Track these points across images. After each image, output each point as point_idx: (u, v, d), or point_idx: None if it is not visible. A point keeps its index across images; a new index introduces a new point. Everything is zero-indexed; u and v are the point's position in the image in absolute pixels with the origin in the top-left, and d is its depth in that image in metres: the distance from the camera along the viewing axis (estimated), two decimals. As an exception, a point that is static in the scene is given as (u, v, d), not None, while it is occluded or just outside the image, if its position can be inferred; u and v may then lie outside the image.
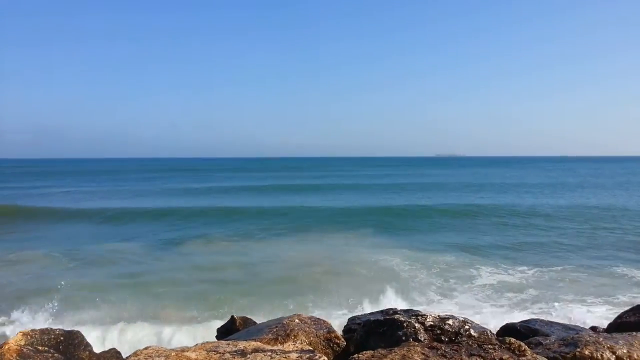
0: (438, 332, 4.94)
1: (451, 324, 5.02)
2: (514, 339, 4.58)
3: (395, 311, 6.23)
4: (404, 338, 4.84)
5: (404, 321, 4.99)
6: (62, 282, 14.13)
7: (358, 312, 10.03)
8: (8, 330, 10.44)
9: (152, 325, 10.70)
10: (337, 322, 9.75)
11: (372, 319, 5.37)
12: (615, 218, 26.81)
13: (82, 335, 4.90)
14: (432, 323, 5.00)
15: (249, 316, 8.08)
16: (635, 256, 17.49)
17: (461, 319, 5.20)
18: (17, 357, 4.22)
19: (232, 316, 6.98)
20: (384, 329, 5.08)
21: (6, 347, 4.26)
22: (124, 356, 6.26)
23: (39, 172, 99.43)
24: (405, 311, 6.20)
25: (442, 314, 5.22)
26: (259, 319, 8.36)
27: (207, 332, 9.79)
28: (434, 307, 11.36)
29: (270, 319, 6.96)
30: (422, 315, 5.13)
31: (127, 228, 25.71)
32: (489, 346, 4.50)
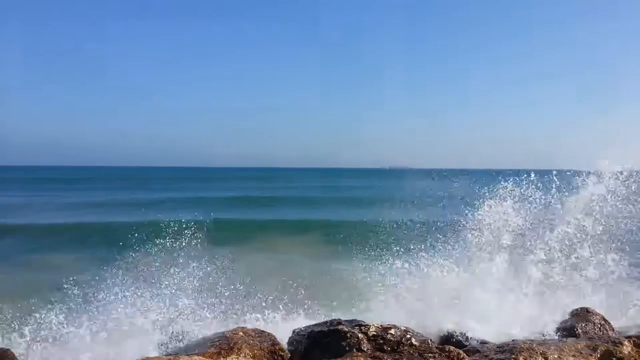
0: (381, 341, 5.02)
1: (393, 333, 5.11)
2: (453, 347, 4.72)
3: (339, 322, 6.26)
4: (347, 348, 4.90)
5: (348, 331, 5.05)
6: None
7: (311, 322, 10.06)
8: None
9: (91, 340, 10.28)
10: (283, 333, 9.69)
11: (316, 330, 5.39)
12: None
13: (12, 353, 4.68)
14: (375, 333, 5.07)
15: (192, 329, 7.91)
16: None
17: (403, 328, 5.30)
18: (-61, 379, 3.98)
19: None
20: (327, 340, 5.11)
21: None
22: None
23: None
24: (349, 321, 6.25)
25: (385, 324, 5.31)
26: (202, 333, 8.20)
27: (147, 347, 9.52)
28: (384, 316, 11.45)
29: (215, 332, 6.86)
30: (365, 325, 5.21)
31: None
32: (429, 355, 4.62)
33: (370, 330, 5.08)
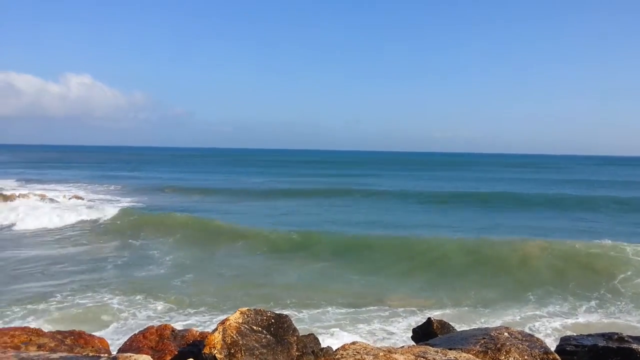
0: (692, 373, 4.06)
1: None
2: None
3: (622, 337, 5.34)
4: (644, 374, 4.09)
5: (645, 354, 4.21)
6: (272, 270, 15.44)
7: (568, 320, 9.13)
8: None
9: (335, 320, 10.95)
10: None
11: (599, 344, 4.64)
12: None
13: (290, 319, 5.09)
14: (683, 361, 4.12)
15: (443, 318, 7.74)
16: None
17: None
18: (236, 334, 4.52)
19: (429, 318, 6.69)
20: (616, 359, 4.35)
21: (227, 324, 4.59)
22: (322, 344, 6.42)
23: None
24: (636, 339, 5.28)
25: (698, 352, 4.28)
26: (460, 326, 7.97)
27: (393, 330, 9.73)
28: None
29: (473, 327, 6.57)
30: (669, 350, 4.28)
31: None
32: None
33: (678, 356, 4.15)
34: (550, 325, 10.33)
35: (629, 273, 15.08)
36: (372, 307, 11.21)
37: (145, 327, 5.85)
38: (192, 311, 11.06)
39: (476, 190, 42.33)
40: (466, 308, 11.36)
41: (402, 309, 11.01)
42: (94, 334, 5.86)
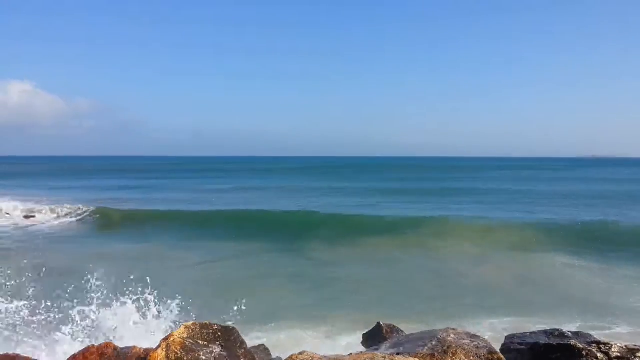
0: (626, 365, 4.24)
1: (643, 357, 4.27)
2: None
3: (562, 333, 5.52)
4: (583, 369, 4.23)
5: (583, 349, 4.36)
6: (209, 277, 15.09)
7: (514, 328, 9.32)
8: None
9: (295, 325, 10.82)
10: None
11: (541, 342, 4.77)
12: None
13: (238, 331, 4.98)
14: (618, 354, 4.30)
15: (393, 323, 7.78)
16: None
17: (654, 352, 4.41)
18: (181, 350, 4.37)
19: (379, 323, 6.72)
20: (557, 355, 4.49)
21: (171, 339, 4.44)
22: (273, 354, 6.33)
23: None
24: (575, 334, 5.47)
25: (631, 345, 4.47)
26: (403, 328, 8.03)
27: (349, 337, 9.73)
28: (607, 332, 10.10)
29: (417, 329, 6.62)
30: (604, 344, 4.44)
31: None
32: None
33: (613, 350, 4.31)
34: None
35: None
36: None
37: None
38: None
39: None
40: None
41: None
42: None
